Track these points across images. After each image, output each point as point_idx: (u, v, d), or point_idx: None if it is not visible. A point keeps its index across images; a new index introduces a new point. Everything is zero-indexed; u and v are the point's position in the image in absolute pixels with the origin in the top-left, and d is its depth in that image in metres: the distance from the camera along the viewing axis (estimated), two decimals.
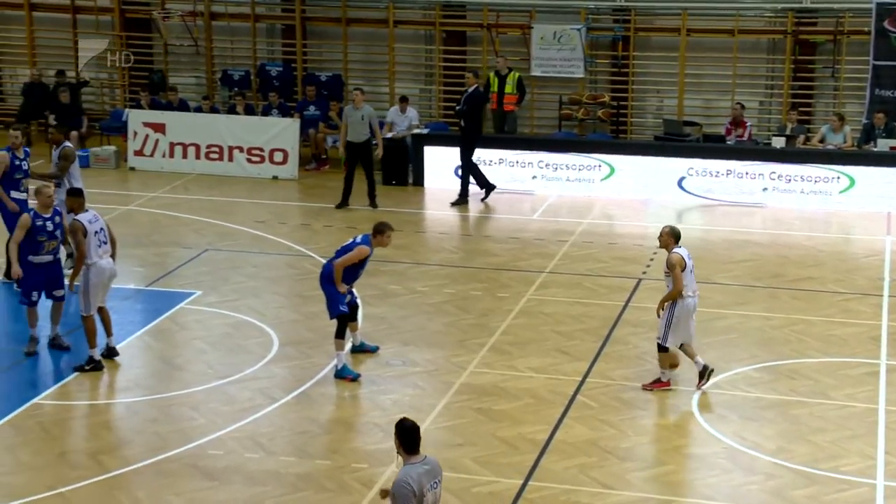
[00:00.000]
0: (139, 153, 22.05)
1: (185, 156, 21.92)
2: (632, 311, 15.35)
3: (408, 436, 7.96)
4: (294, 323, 14.85)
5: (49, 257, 13.42)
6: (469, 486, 10.84)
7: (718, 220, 19.83)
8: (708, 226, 19.51)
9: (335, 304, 13.06)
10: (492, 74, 21.81)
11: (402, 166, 21.31)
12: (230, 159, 21.91)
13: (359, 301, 13.96)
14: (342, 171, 20.15)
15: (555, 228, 19.07)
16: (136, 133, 22.08)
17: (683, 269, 12.47)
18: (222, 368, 13.35)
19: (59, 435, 11.90)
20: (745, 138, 20.92)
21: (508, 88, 21.60)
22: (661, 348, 12.74)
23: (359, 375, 13.13)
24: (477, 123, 20.36)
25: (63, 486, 10.73)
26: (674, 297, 12.49)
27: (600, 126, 22.92)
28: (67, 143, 16.37)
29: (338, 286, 12.95)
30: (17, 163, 15.60)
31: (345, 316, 13.15)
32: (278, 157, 21.81)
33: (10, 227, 14.53)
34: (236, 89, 23.50)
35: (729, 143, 20.89)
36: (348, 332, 13.33)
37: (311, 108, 22.72)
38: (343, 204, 19.70)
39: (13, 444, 11.50)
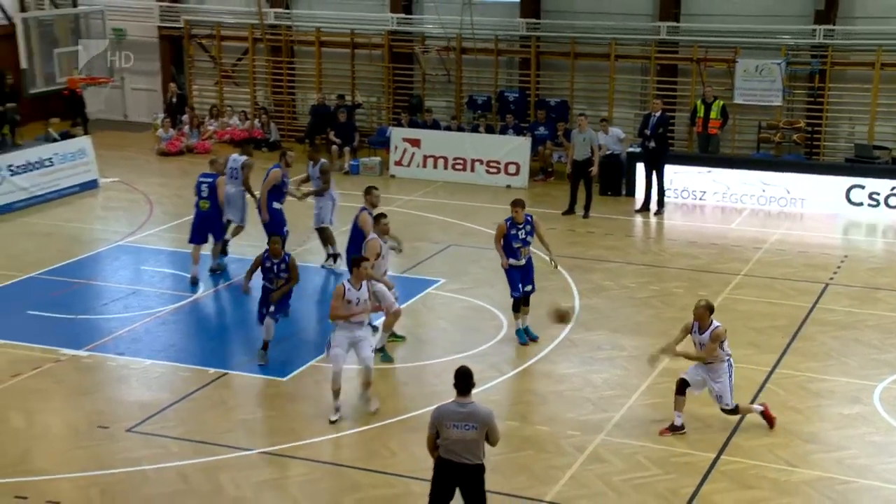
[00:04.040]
0: (399, 163, 22.54)
1: (435, 166, 22.27)
2: (819, 311, 14.62)
3: (458, 379, 8.24)
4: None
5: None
6: (668, 456, 10.59)
7: None
8: None
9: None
10: (699, 102, 21.20)
11: (617, 179, 21.01)
12: (472, 170, 22.13)
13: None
14: (566, 183, 20.03)
15: (751, 236, 18.38)
16: (396, 147, 22.59)
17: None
18: (460, 345, 13.48)
19: (328, 392, 12.27)
20: None
21: (713, 114, 20.94)
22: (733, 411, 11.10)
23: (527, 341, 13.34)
24: (665, 143, 19.99)
25: (333, 434, 11.08)
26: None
27: (795, 148, 21.93)
28: (324, 160, 16.44)
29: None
30: (286, 179, 15.58)
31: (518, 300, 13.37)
32: (512, 168, 21.89)
33: (269, 231, 14.75)
34: (479, 112, 23.71)
35: None
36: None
37: (541, 128, 22.68)
38: (569, 211, 19.60)
39: (296, 397, 11.94)
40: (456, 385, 8.29)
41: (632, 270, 16.52)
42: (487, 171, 22.01)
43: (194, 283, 15.43)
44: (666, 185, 20.09)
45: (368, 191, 14.09)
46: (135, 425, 11.14)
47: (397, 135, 22.71)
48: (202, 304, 14.99)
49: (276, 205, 15.42)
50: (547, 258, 13.72)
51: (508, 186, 21.69)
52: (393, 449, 10.75)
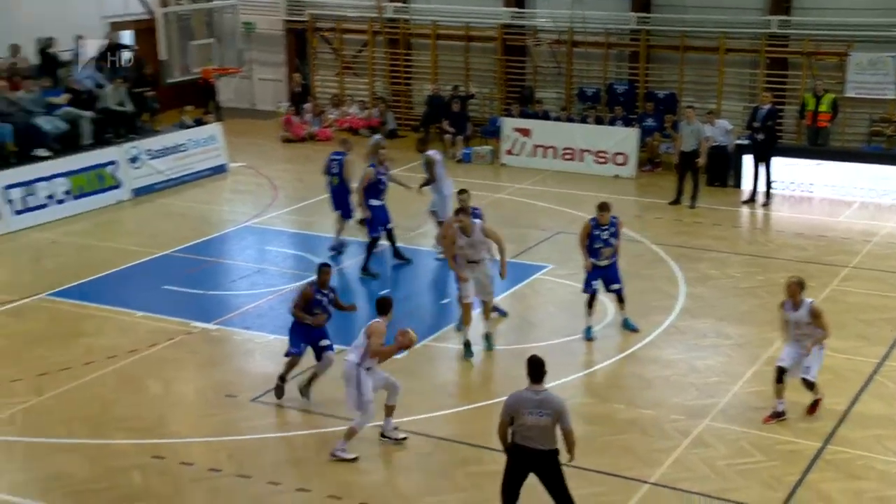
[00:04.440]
0: (509, 152, 22.47)
1: (544, 155, 22.13)
2: None
3: (531, 367, 8.19)
4: (627, 296, 14.55)
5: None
6: (772, 444, 10.34)
7: None
8: None
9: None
10: (808, 95, 20.54)
11: (724, 171, 20.54)
12: (581, 160, 21.91)
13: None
14: (674, 174, 19.68)
15: (860, 229, 17.75)
16: (508, 136, 22.52)
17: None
18: (566, 329, 13.38)
19: (440, 370, 12.38)
20: None
21: (823, 108, 20.25)
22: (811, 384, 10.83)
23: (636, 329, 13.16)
24: (774, 136, 19.40)
25: (445, 410, 11.15)
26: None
27: None
28: (428, 153, 16.33)
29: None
30: (381, 176, 15.13)
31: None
32: (620, 159, 21.60)
33: (373, 226, 14.85)
34: (589, 103, 23.45)
35: None
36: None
37: (649, 120, 22.32)
38: (676, 202, 19.26)
39: (409, 373, 12.03)
40: (529, 373, 8.25)
41: (738, 260, 16.15)
42: (596, 161, 21.78)
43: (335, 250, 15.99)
44: (774, 176, 19.58)
45: (376, 149, 15.03)
46: (259, 395, 11.41)
47: (508, 125, 22.64)
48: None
49: (373, 202, 15.11)
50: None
51: (616, 176, 21.43)
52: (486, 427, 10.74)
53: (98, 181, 18.93)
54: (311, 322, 10.99)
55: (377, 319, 10.10)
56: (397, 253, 15.63)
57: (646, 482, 9.66)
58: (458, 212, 12.78)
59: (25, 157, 18.31)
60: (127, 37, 25.21)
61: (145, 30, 25.40)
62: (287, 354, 11.18)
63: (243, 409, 11.07)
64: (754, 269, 15.67)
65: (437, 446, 10.42)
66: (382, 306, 10.14)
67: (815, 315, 10.55)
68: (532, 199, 19.66)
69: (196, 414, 11.13)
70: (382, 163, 15.25)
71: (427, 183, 16.17)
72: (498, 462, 9.97)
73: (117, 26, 24.81)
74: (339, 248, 16.16)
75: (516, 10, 24.48)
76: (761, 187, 19.46)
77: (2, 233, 16.99)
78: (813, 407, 10.90)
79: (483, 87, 25.12)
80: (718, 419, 10.87)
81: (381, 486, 9.68)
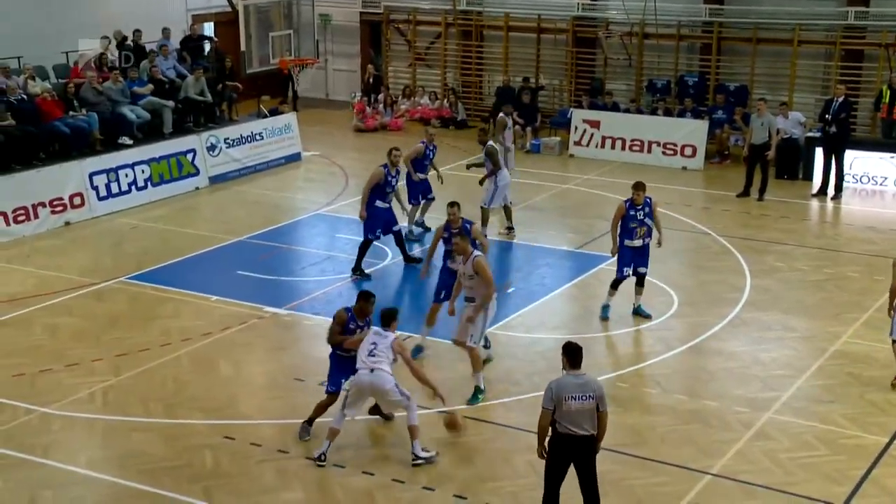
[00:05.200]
0: (578, 143, 22.28)
1: (613, 147, 21.88)
2: None
3: (570, 354, 8.14)
4: (692, 287, 14.44)
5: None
6: (837, 437, 10.09)
7: None
8: None
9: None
10: (885, 87, 19.94)
11: (794, 163, 20.07)
12: (649, 151, 21.62)
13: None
14: (742, 166, 19.30)
15: None
16: (576, 127, 22.32)
17: None
18: (631, 319, 13.22)
19: (504, 356, 12.29)
20: None
21: None
22: None
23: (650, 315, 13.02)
24: (846, 128, 18.89)
25: (505, 398, 11.10)
26: None
27: None
28: (490, 143, 16.26)
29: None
30: (390, 179, 14.65)
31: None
32: (688, 151, 21.24)
33: (369, 227, 14.51)
34: (658, 95, 23.11)
35: None
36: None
37: (720, 112, 21.90)
38: (744, 194, 18.89)
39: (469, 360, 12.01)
40: (569, 359, 8.19)
41: (805, 253, 15.77)
42: (664, 153, 21.46)
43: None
44: (845, 170, 19.07)
45: (389, 151, 14.68)
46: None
47: (578, 116, 22.43)
48: (390, 270, 15.24)
49: (379, 203, 14.62)
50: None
51: (684, 168, 21.10)
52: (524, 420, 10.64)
53: (177, 168, 19.26)
54: (349, 345, 9.88)
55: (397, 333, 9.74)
56: (406, 256, 15.04)
57: (707, 473, 9.50)
58: (446, 228, 11.97)
59: (110, 145, 18.71)
60: (209, 29, 25.57)
61: (227, 22, 25.73)
62: (327, 392, 10.08)
63: (311, 393, 11.13)
64: (822, 263, 15.29)
65: (499, 433, 10.38)
66: (387, 317, 9.72)
67: None
68: (599, 189, 19.45)
69: (265, 396, 11.26)
70: (395, 164, 14.76)
71: (491, 174, 16.09)
72: None
73: (200, 18, 25.18)
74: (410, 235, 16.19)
75: (589, 2, 24.22)
76: (832, 180, 18.97)
77: (86, 218, 17.39)
78: None
79: (553, 78, 24.93)
80: (782, 412, 10.64)
81: (443, 471, 9.67)
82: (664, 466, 9.62)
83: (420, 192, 16.37)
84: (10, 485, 9.33)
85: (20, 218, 16.53)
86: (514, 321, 13.13)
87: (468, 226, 11.85)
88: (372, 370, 9.49)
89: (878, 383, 11.17)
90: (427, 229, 16.38)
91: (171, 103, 20.10)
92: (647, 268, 13.16)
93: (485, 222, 15.98)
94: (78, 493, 9.24)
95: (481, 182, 16.41)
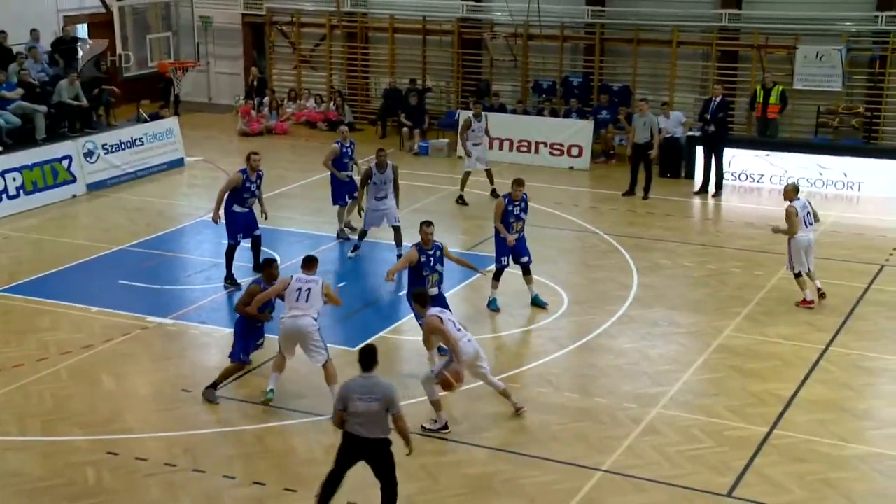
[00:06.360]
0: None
1: (500, 148, 22.12)
2: (873, 292, 14.27)
3: (362, 356, 8.36)
4: (581, 286, 14.74)
5: None
6: (721, 429, 10.44)
7: None
8: None
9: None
10: (758, 87, 20.74)
11: (676, 162, 20.70)
12: (536, 152, 21.98)
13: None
14: (627, 165, 19.80)
15: None
16: None
17: (797, 215, 13.41)
18: (522, 319, 13.43)
19: (396, 361, 12.28)
20: None
21: (772, 99, 20.46)
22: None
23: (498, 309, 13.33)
24: (724, 127, 19.70)
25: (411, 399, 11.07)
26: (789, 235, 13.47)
27: (853, 133, 21.34)
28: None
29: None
30: (248, 184, 14.35)
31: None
32: (575, 151, 21.68)
33: (230, 232, 14.28)
34: (544, 96, 23.52)
35: None
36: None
37: (604, 112, 22.43)
38: (629, 193, 19.38)
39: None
40: (360, 361, 8.44)
41: (689, 250, 16.28)
42: (551, 153, 21.85)
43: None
44: (725, 167, 19.77)
45: (248, 156, 14.54)
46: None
47: (465, 117, 22.56)
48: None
49: (237, 208, 14.35)
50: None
51: (571, 168, 21.51)
52: (456, 416, 10.76)
53: (52, 176, 18.66)
54: (262, 320, 11.09)
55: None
56: (257, 263, 14.53)
57: (598, 469, 9.71)
58: (420, 250, 11.86)
59: None
60: (82, 30, 24.84)
61: (101, 23, 25.04)
62: (237, 361, 10.99)
63: (199, 404, 10.97)
64: (705, 259, 15.81)
65: (393, 438, 10.36)
66: (311, 261, 10.87)
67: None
68: (488, 191, 19.63)
69: (151, 409, 11.01)
70: (255, 169, 14.45)
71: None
72: (452, 451, 10.00)
73: (72, 20, 24.44)
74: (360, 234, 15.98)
75: (473, 3, 24.48)
76: (712, 178, 19.64)
77: None
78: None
79: (440, 80, 25.09)
80: (669, 406, 10.96)
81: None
82: (556, 464, 9.79)
83: (346, 193, 16.47)
84: None
85: None
86: (405, 324, 13.15)
87: (440, 246, 11.92)
88: (297, 317, 10.47)
89: (759, 375, 11.62)
90: (353, 229, 16.28)
91: (43, 108, 19.44)
92: (528, 257, 13.67)
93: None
94: None
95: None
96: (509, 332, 13.04)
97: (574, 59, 24.17)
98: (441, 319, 10.27)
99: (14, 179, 17.91)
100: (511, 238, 13.46)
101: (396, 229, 15.43)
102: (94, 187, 19.35)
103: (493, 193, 18.57)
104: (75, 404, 10.94)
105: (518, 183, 13.73)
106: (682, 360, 12.12)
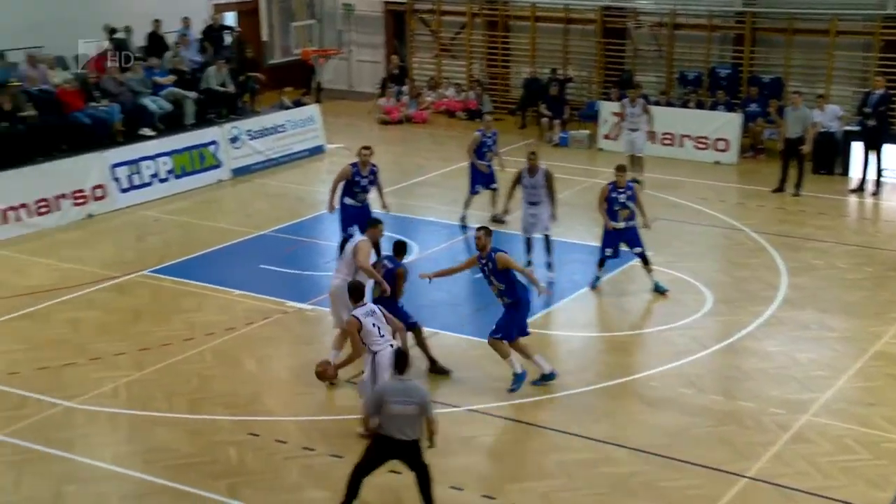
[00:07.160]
0: (607, 137, 22.14)
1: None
2: None
3: (397, 360, 8.45)
4: (726, 285, 14.34)
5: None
6: (878, 441, 10.00)
7: None
8: None
9: None
10: None
11: (831, 158, 19.91)
12: (680, 145, 21.51)
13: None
14: (777, 160, 19.16)
15: None
16: (606, 120, 22.24)
17: None
18: (662, 317, 13.16)
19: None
20: None
21: None
22: None
23: None
24: (886, 122, 18.77)
25: (536, 397, 11.05)
26: None
27: None
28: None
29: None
30: (358, 178, 14.24)
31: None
32: (721, 145, 21.12)
33: (342, 225, 14.26)
34: (690, 87, 22.98)
35: None
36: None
37: (753, 105, 21.74)
38: (779, 189, 18.74)
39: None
40: (395, 364, 8.49)
41: (844, 251, 15.63)
42: (696, 147, 21.34)
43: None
44: (885, 165, 18.89)
45: (359, 150, 14.33)
46: (353, 376, 11.48)
47: (606, 109, 22.33)
48: (418, 266, 15.20)
49: (348, 201, 14.35)
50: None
51: (717, 162, 20.97)
52: (594, 414, 10.65)
53: (199, 160, 19.34)
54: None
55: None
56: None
57: (743, 476, 9.43)
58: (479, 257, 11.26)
59: (132, 137, 18.80)
60: (230, 18, 25.64)
61: (248, 11, 25.80)
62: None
63: (336, 389, 11.17)
64: (861, 260, 15.16)
65: (529, 433, 10.35)
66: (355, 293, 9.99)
67: None
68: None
69: (290, 392, 11.28)
70: (365, 164, 14.26)
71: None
72: (589, 450, 9.89)
73: (221, 8, 25.26)
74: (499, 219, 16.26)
75: None
76: (871, 175, 18.81)
77: (108, 210, 17.48)
78: None
79: (581, 70, 24.84)
80: (821, 414, 10.55)
81: (472, 472, 9.65)
82: (698, 468, 9.56)
83: (481, 182, 16.56)
84: (35, 479, 9.40)
85: (42, 210, 16.65)
86: (543, 319, 13.09)
87: (493, 254, 11.02)
88: (392, 346, 9.76)
89: None
90: (501, 222, 16.20)
91: (192, 94, 20.17)
92: (641, 247, 13.68)
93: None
94: (102, 489, 9.29)
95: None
96: (650, 330, 12.80)
97: (722, 50, 23.53)
98: (360, 326, 9.60)
99: (164, 164, 18.64)
100: (612, 224, 13.49)
101: (546, 238, 14.66)
102: (238, 172, 19.96)
103: (634, 181, 18.23)
104: (218, 385, 11.30)
105: (620, 169, 13.70)
106: (836, 366, 11.65)
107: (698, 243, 16.15)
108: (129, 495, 9.25)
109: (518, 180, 14.60)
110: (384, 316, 9.88)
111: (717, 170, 20.56)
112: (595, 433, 10.21)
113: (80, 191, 17.20)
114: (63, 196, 16.92)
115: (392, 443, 8.36)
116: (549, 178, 14.42)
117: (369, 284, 10.99)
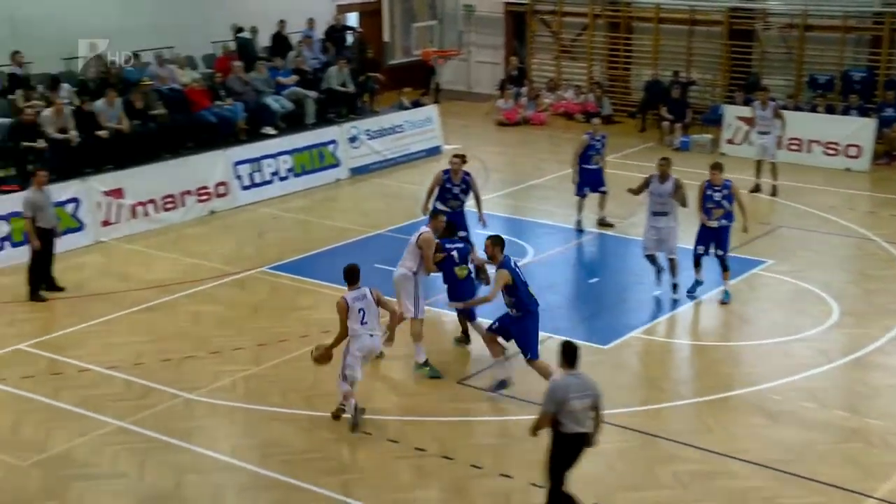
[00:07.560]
0: (731, 141, 21.70)
1: None
2: None
3: (569, 353, 8.29)
4: (854, 297, 13.87)
5: None
6: None
7: None
8: None
9: None
10: None
11: None
12: (808, 151, 20.88)
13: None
14: None
15: None
16: (729, 125, 21.76)
17: None
18: (785, 328, 12.80)
19: (648, 364, 12.13)
20: None
21: None
22: None
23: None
24: None
25: (650, 405, 10.93)
26: None
27: None
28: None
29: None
30: (449, 186, 14.26)
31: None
32: (853, 151, 20.42)
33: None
34: (820, 91, 22.27)
35: None
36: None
37: (889, 109, 20.94)
38: None
39: (616, 366, 11.86)
40: (566, 358, 8.34)
41: None
42: (825, 153, 20.69)
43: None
44: None
45: (451, 158, 14.44)
46: (465, 378, 11.55)
47: (731, 113, 21.85)
48: (531, 270, 15.17)
49: (439, 206, 14.35)
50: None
51: (848, 169, 20.29)
52: (710, 426, 10.43)
53: (319, 159, 19.73)
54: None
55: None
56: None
57: (870, 497, 9.10)
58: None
59: (254, 135, 19.32)
60: (352, 19, 26.08)
61: (371, 12, 26.17)
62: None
63: (449, 390, 11.24)
64: None
65: (643, 441, 10.21)
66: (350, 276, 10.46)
67: None
68: (755, 186, 18.87)
69: (403, 392, 11.40)
70: (457, 173, 14.25)
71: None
72: (705, 461, 9.70)
73: (344, 8, 25.71)
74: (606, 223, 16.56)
75: None
76: None
77: (230, 207, 18.00)
78: None
79: (705, 73, 24.37)
80: None
81: (584, 478, 9.55)
82: (821, 486, 9.27)
83: (588, 185, 16.55)
84: (158, 467, 9.74)
85: (168, 206, 17.25)
86: (658, 326, 12.90)
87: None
88: (371, 335, 10.35)
89: None
90: (610, 225, 16.50)
91: (314, 94, 20.60)
92: (725, 251, 13.35)
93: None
94: (220, 480, 9.56)
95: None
96: (773, 341, 12.46)
97: (857, 52, 22.74)
98: (347, 306, 10.20)
99: (285, 162, 19.09)
100: (706, 221, 13.28)
101: (671, 261, 13.81)
102: (356, 172, 20.28)
103: (757, 189, 17.89)
104: (333, 383, 11.40)
105: (715, 167, 13.43)
106: None
107: (826, 253, 15.66)
108: (246, 487, 9.50)
109: (646, 185, 14.11)
110: (378, 300, 10.34)
111: (848, 177, 19.88)
112: (712, 444, 10.01)
113: (204, 187, 17.76)
114: (188, 192, 17.50)
115: (580, 437, 8.41)
116: (679, 187, 13.78)
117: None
